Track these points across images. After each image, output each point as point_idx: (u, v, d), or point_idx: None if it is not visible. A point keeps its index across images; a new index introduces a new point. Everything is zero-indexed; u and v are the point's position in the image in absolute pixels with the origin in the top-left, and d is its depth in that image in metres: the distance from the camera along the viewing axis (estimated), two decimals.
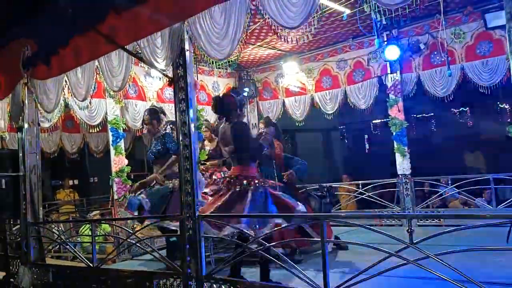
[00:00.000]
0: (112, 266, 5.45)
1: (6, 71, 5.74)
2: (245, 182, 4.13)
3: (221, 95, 4.88)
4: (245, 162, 4.31)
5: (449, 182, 7.65)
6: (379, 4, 2.83)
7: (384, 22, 4.44)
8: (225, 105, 4.36)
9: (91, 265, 4.76)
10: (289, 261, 3.55)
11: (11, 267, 5.94)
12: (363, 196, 7.63)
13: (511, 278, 2.50)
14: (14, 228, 7.28)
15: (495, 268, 3.80)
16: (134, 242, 4.87)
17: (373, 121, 16.50)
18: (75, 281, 5.08)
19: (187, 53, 3.90)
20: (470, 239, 3.06)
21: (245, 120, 4.66)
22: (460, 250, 2.71)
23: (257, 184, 4.14)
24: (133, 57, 4.47)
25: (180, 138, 3.94)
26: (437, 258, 2.65)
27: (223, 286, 3.66)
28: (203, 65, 7.85)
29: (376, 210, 7.71)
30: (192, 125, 3.93)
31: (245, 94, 8.62)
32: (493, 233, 2.58)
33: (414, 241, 2.76)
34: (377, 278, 3.13)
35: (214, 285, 3.71)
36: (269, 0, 3.32)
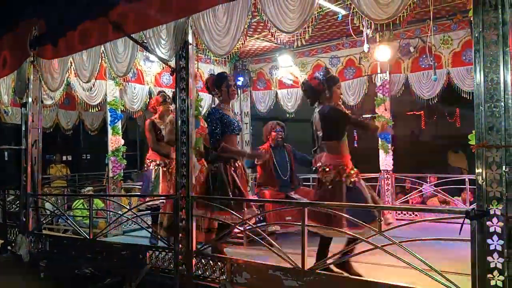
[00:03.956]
0: (106, 239, 5.77)
1: (14, 48, 5.98)
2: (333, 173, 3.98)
3: (306, 78, 4.63)
4: (334, 149, 4.13)
5: (428, 180, 8.05)
6: (367, 19, 3.15)
7: (371, 35, 4.72)
8: (311, 89, 4.30)
9: (88, 237, 5.09)
10: (273, 242, 3.92)
11: (8, 235, 6.26)
12: None
13: (467, 269, 2.87)
14: (8, 199, 7.57)
15: (456, 260, 4.20)
16: (129, 217, 5.19)
17: (363, 116, 16.86)
18: (71, 251, 5.41)
19: (190, 47, 4.21)
20: (444, 234, 3.43)
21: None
22: (408, 240, 3.09)
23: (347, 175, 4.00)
24: (138, 45, 4.74)
25: (179, 125, 4.25)
26: (401, 245, 3.03)
27: (210, 262, 4.02)
28: (200, 53, 8.09)
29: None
30: (190, 113, 4.24)
31: (239, 83, 8.88)
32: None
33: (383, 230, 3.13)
34: (350, 263, 3.51)
35: (202, 260, 4.07)
36: (269, 5, 3.62)
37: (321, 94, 4.24)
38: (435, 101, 7.39)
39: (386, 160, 7.63)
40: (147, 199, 5.35)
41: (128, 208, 5.40)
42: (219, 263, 3.97)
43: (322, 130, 4.21)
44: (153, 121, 5.94)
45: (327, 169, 4.03)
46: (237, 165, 4.64)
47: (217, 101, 4.86)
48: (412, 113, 11.06)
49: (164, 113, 5.90)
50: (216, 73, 5.12)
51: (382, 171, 7.65)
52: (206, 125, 5.78)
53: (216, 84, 4.74)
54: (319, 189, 4.10)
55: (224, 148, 4.49)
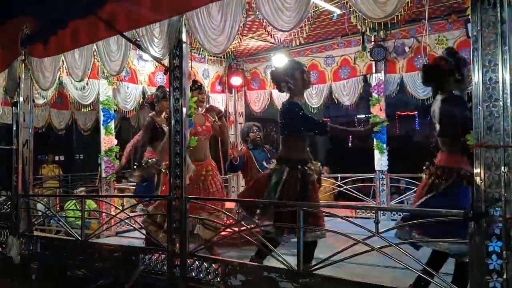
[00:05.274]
0: (98, 240, 5.69)
1: (4, 47, 5.89)
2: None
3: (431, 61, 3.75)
4: (453, 149, 3.37)
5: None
6: (364, 17, 3.11)
7: (368, 34, 4.66)
8: (433, 73, 3.51)
9: (79, 238, 5.01)
10: (268, 244, 3.86)
11: None
12: (340, 189, 7.96)
13: None
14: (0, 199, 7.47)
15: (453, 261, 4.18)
16: (122, 218, 5.12)
17: (358, 116, 16.90)
18: (62, 253, 5.33)
19: (184, 45, 4.14)
20: None
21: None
22: (406, 241, 3.05)
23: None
24: (131, 43, 4.66)
25: (173, 124, 4.19)
26: (398, 247, 2.98)
27: (204, 264, 3.96)
28: (194, 52, 8.01)
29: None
30: (184, 113, 4.17)
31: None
32: None
33: (380, 231, 3.08)
34: (346, 264, 3.46)
35: (197, 262, 4.01)
36: (264, 3, 3.56)
37: (447, 78, 3.37)
38: (430, 102, 7.36)
39: (381, 161, 7.59)
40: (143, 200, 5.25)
41: (121, 209, 5.31)
42: (213, 265, 3.91)
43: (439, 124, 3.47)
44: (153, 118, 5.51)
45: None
46: (304, 170, 3.94)
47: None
48: (406, 113, 11.10)
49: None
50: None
51: (377, 172, 7.60)
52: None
53: (289, 72, 4.02)
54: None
55: (332, 128, 3.93)
